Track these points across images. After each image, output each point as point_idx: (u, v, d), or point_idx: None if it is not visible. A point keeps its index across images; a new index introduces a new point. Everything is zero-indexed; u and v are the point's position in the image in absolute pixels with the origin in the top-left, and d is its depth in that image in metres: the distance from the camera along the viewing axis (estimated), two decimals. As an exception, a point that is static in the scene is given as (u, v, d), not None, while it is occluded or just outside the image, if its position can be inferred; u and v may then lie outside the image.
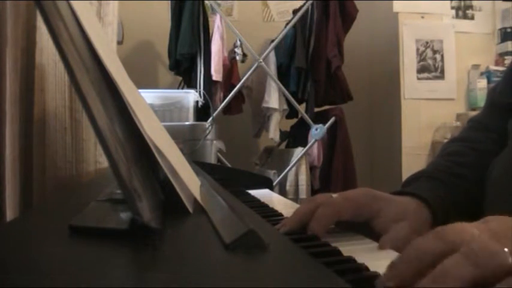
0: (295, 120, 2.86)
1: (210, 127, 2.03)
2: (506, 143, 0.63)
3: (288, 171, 2.49)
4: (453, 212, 0.59)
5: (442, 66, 2.95)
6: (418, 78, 2.92)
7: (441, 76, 2.95)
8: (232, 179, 0.94)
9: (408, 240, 0.49)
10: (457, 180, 0.64)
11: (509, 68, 0.73)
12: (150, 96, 2.15)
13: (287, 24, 2.60)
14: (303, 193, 2.46)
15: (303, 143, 2.54)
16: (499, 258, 0.29)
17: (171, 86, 3.01)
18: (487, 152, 0.67)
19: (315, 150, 2.52)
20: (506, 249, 0.29)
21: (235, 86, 2.48)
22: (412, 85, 2.90)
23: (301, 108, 2.58)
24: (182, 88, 2.71)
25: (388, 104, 3.06)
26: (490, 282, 0.28)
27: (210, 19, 2.58)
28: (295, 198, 2.45)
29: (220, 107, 2.44)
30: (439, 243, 0.32)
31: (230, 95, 2.45)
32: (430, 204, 0.56)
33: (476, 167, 0.66)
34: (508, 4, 2.97)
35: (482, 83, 2.92)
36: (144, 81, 2.72)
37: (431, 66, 2.94)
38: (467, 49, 3.00)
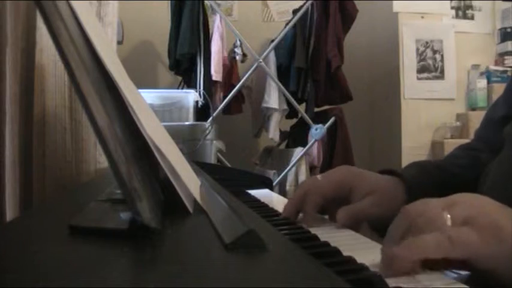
0: (295, 120, 2.85)
1: (210, 127, 2.03)
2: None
3: (288, 171, 2.49)
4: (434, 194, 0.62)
5: (442, 66, 2.94)
6: (418, 78, 2.92)
7: (441, 76, 2.95)
8: (232, 179, 0.94)
9: (362, 213, 0.57)
10: (442, 172, 0.67)
11: (508, 83, 0.76)
12: (150, 96, 2.15)
13: (287, 24, 2.60)
14: (303, 193, 2.46)
15: (303, 143, 2.54)
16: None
17: (171, 86, 3.01)
18: (480, 158, 0.70)
19: (314, 150, 2.52)
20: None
21: (235, 86, 2.48)
22: (412, 85, 2.90)
23: (301, 108, 2.58)
24: (182, 88, 2.71)
25: (388, 104, 3.05)
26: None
27: (209, 19, 2.58)
28: (295, 198, 2.44)
29: (220, 107, 2.44)
30: (404, 224, 0.39)
31: (230, 95, 2.45)
32: (405, 180, 0.60)
33: (466, 167, 0.70)
34: (508, 4, 2.97)
35: (482, 83, 2.91)
36: (144, 81, 2.72)
37: (431, 66, 2.94)
38: (467, 49, 3.00)
